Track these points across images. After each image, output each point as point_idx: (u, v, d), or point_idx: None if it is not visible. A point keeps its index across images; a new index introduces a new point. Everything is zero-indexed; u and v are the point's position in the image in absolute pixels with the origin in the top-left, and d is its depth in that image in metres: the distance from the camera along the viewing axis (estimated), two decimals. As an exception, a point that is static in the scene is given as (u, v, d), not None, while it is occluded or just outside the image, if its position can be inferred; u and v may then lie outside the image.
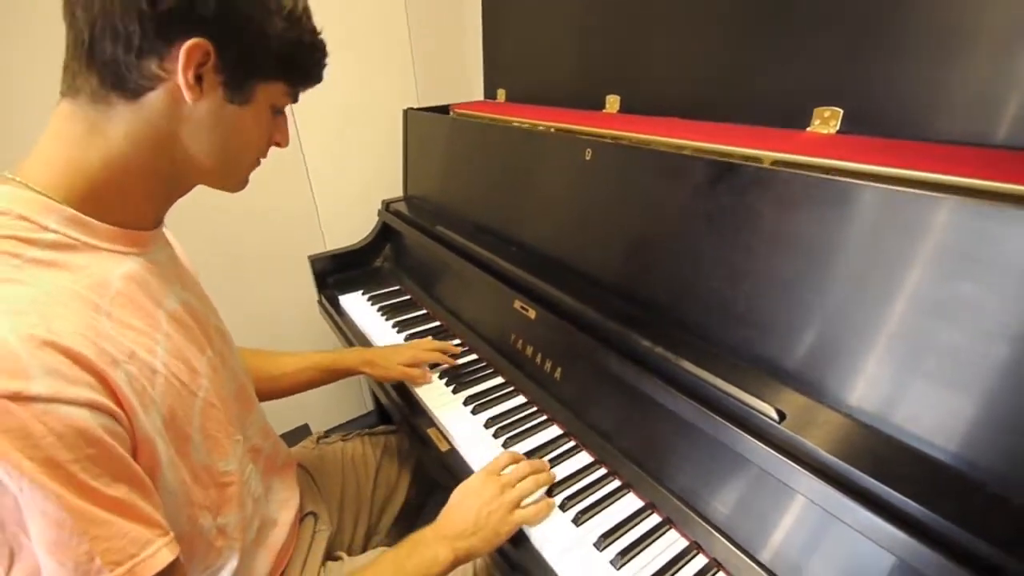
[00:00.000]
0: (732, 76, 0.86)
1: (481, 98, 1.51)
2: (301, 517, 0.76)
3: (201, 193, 0.55)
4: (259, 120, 0.51)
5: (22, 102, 0.98)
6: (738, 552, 0.58)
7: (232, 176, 0.54)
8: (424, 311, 1.19)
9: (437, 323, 1.14)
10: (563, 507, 0.67)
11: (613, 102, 1.09)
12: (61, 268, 0.43)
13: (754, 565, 0.56)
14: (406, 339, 1.08)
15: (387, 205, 1.38)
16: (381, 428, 1.06)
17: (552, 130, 1.03)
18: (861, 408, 0.53)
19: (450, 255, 1.06)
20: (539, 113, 1.14)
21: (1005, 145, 0.61)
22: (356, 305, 1.24)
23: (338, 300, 1.28)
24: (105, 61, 0.42)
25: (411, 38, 1.48)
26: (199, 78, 0.45)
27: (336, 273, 1.36)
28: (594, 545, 0.62)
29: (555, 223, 0.91)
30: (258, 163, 0.56)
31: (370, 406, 1.83)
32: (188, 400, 0.50)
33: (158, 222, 0.54)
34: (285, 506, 0.71)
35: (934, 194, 0.47)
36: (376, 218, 1.41)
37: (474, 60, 1.50)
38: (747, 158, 0.70)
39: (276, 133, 0.56)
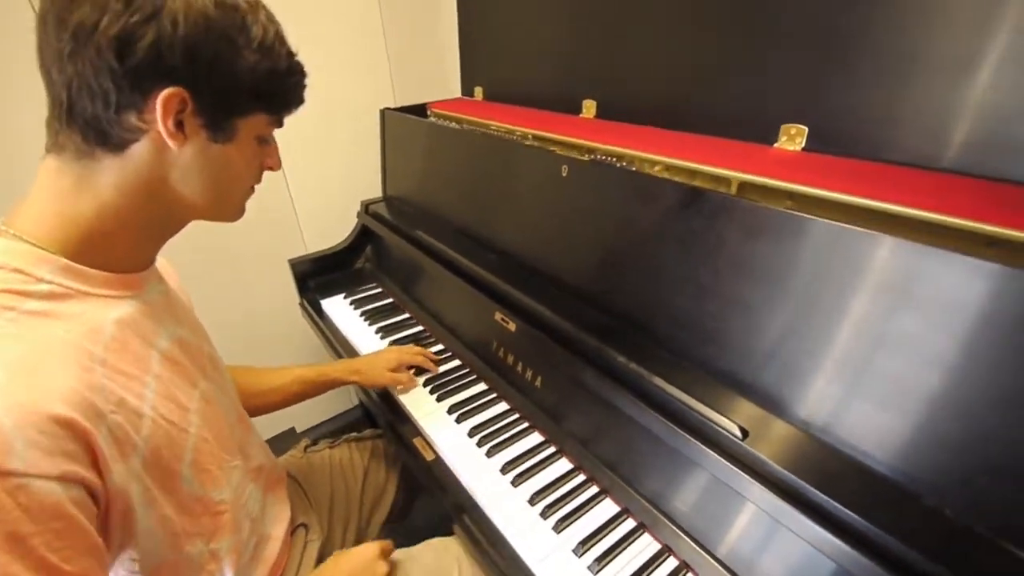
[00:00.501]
0: (706, 89, 0.88)
1: (459, 95, 1.51)
2: (292, 529, 0.79)
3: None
4: (245, 153, 0.52)
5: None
6: (704, 555, 0.63)
7: (227, 209, 0.55)
8: (407, 315, 1.21)
9: (420, 328, 1.16)
10: (544, 515, 0.71)
11: (590, 107, 1.10)
12: (55, 318, 0.44)
13: (718, 566, 0.61)
14: (389, 345, 1.10)
15: (366, 207, 1.38)
16: (368, 432, 1.08)
17: (529, 137, 1.05)
18: (812, 423, 0.57)
19: (431, 262, 1.08)
20: (517, 116, 1.14)
21: (951, 169, 0.64)
22: (339, 310, 1.25)
23: (320, 304, 1.28)
24: (86, 119, 0.43)
25: (385, 34, 1.45)
26: (180, 124, 0.45)
27: (317, 276, 1.36)
28: (573, 551, 0.67)
29: (533, 233, 0.93)
30: (252, 191, 0.57)
31: (356, 401, 1.86)
32: (179, 438, 0.52)
33: (151, 261, 0.55)
34: (278, 520, 0.74)
35: (875, 232, 0.51)
36: (355, 219, 1.41)
37: (451, 56, 1.48)
38: (716, 178, 0.73)
39: (267, 159, 0.56)
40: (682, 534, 0.65)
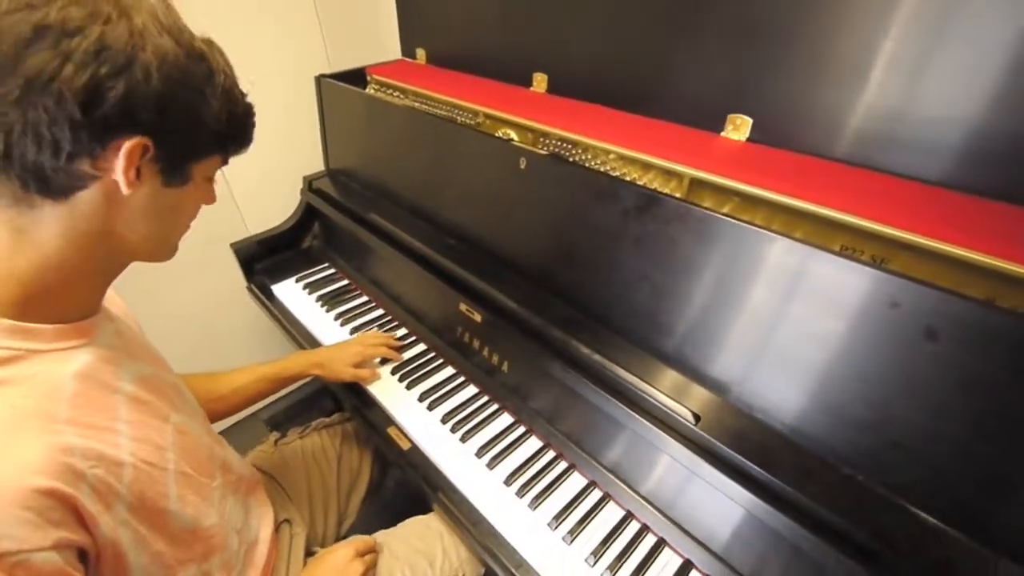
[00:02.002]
0: (657, 72, 0.89)
1: (399, 56, 1.41)
2: (276, 526, 0.82)
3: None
4: (196, 195, 0.52)
5: None
6: (660, 515, 0.72)
7: (166, 250, 0.54)
8: (365, 298, 1.20)
9: (381, 311, 1.16)
10: (520, 494, 0.78)
11: (540, 81, 1.08)
12: (8, 384, 0.42)
13: (672, 525, 0.71)
14: (351, 332, 1.10)
15: (310, 183, 1.31)
16: (337, 417, 1.10)
17: (480, 116, 1.02)
18: (753, 405, 0.65)
19: (389, 249, 1.06)
20: (465, 88, 1.10)
21: (867, 165, 0.72)
22: (292, 295, 1.22)
23: (271, 290, 1.24)
24: (26, 166, 0.39)
25: (313, -11, 1.32)
26: (137, 170, 0.43)
27: (263, 259, 1.30)
28: (548, 525, 0.74)
29: (492, 221, 0.94)
30: (188, 228, 0.55)
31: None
32: (159, 477, 0.52)
33: (99, 305, 0.53)
34: (264, 521, 0.76)
35: (780, 236, 0.59)
36: (299, 195, 1.34)
37: (388, 12, 1.37)
38: (668, 172, 0.76)
39: (207, 196, 0.55)
40: (642, 500, 0.74)
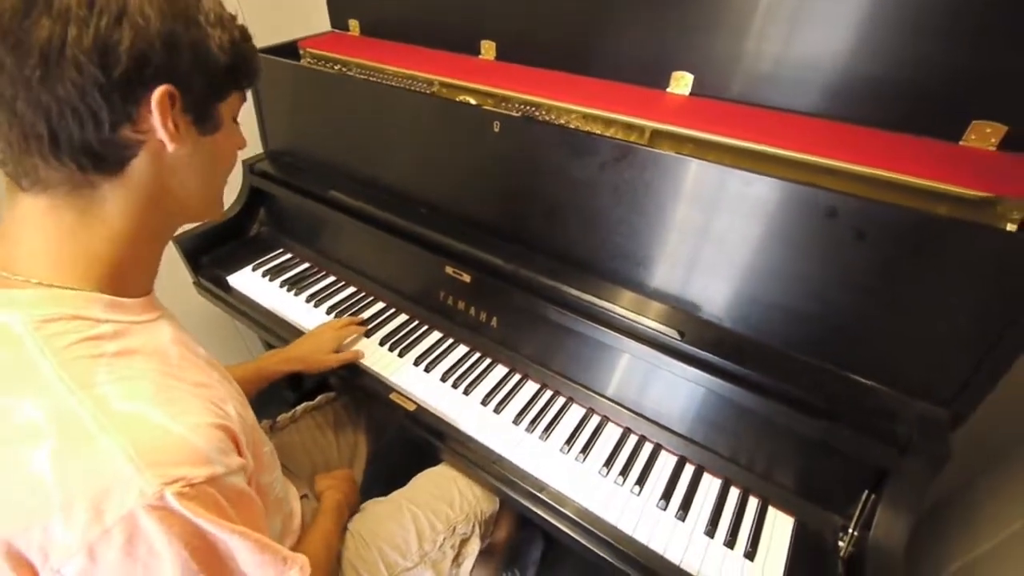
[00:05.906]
0: (601, 35, 0.96)
1: (328, 28, 1.37)
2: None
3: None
4: (229, 139, 0.52)
5: None
6: (654, 426, 0.84)
7: (215, 205, 0.55)
8: (333, 278, 1.19)
9: (353, 289, 1.16)
10: (529, 430, 0.86)
11: (489, 48, 1.12)
12: (135, 353, 0.45)
13: (663, 430, 0.83)
14: (328, 312, 1.10)
15: (251, 166, 1.25)
16: (322, 398, 1.10)
17: (436, 84, 1.04)
18: (723, 317, 0.78)
19: (357, 224, 1.06)
20: (413, 59, 1.11)
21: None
22: (253, 284, 1.18)
23: (226, 282, 1.19)
24: (75, 146, 0.40)
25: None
26: (174, 124, 0.44)
27: (210, 251, 1.24)
28: (560, 450, 0.83)
29: (466, 185, 0.98)
30: (227, 181, 0.57)
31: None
32: (244, 430, 0.54)
33: (155, 277, 0.54)
34: (292, 493, 0.78)
35: (741, 171, 0.70)
36: (239, 180, 1.28)
37: (310, -21, 1.32)
38: (629, 126, 0.85)
39: (237, 139, 0.55)
40: (635, 415, 0.86)
